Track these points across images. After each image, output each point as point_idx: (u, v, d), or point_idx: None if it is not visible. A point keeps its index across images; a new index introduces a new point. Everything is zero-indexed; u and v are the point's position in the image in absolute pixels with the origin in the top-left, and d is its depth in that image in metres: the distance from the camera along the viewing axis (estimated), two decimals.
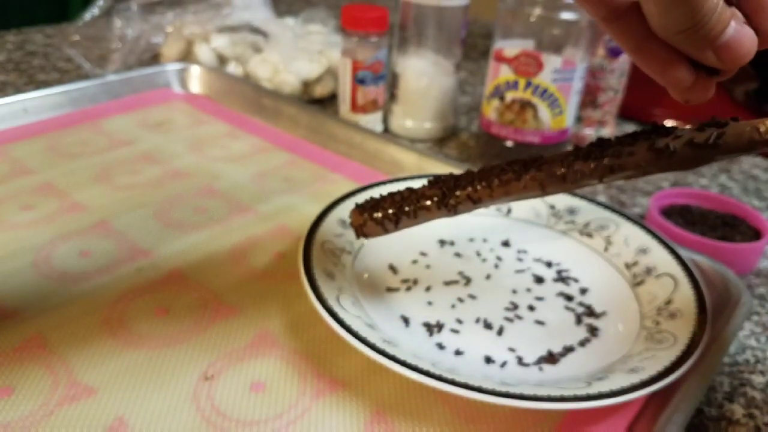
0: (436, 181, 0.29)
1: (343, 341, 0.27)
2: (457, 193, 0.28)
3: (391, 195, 0.30)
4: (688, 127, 0.25)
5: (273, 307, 0.33)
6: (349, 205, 0.38)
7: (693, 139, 0.24)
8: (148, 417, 0.26)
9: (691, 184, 0.53)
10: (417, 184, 0.41)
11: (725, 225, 0.42)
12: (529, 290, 0.35)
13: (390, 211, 0.29)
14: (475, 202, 0.28)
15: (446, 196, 0.28)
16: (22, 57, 0.73)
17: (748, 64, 0.22)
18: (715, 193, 0.46)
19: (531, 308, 0.33)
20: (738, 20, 0.21)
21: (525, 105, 0.49)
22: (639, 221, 0.38)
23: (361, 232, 0.31)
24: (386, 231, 0.30)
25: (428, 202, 0.29)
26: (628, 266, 0.36)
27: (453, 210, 0.29)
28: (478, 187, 0.28)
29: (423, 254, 0.37)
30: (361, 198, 0.39)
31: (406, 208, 0.29)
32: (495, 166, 0.28)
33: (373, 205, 0.30)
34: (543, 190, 0.27)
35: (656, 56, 0.22)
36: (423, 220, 0.30)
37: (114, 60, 0.63)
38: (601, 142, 0.26)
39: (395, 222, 0.30)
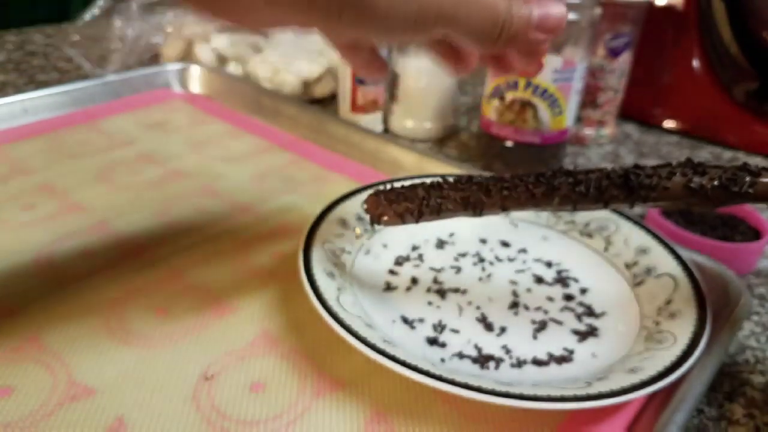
0: (466, 182, 0.29)
1: (343, 341, 0.27)
2: (486, 200, 0.28)
3: (414, 187, 0.30)
4: (719, 167, 0.26)
5: (273, 307, 0.33)
6: (349, 205, 0.38)
7: (728, 186, 0.25)
8: (148, 417, 0.26)
9: None
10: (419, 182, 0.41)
11: (725, 225, 0.42)
12: (529, 290, 0.35)
13: (413, 205, 0.29)
14: (503, 209, 0.28)
15: (475, 201, 0.28)
16: (22, 57, 0.73)
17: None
18: None
19: (531, 308, 0.33)
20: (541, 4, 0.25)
21: (525, 105, 0.49)
22: (639, 221, 0.38)
23: (377, 219, 0.30)
24: (404, 222, 0.30)
25: (454, 204, 0.29)
26: (628, 266, 0.36)
27: (479, 214, 0.29)
28: (508, 197, 0.28)
29: (423, 254, 0.37)
30: (360, 198, 0.39)
31: (431, 206, 0.29)
32: (527, 175, 0.28)
33: (395, 195, 0.30)
34: (573, 207, 0.27)
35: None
36: (446, 217, 0.30)
37: (114, 60, 0.63)
38: (636, 169, 0.26)
39: (417, 216, 0.29)
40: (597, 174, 0.27)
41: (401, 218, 0.30)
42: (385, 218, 0.30)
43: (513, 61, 0.29)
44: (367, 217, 0.31)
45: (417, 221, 0.30)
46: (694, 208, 0.26)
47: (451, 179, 0.30)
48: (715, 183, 0.25)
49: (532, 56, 0.27)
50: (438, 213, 0.29)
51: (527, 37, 0.25)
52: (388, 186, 0.32)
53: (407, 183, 0.31)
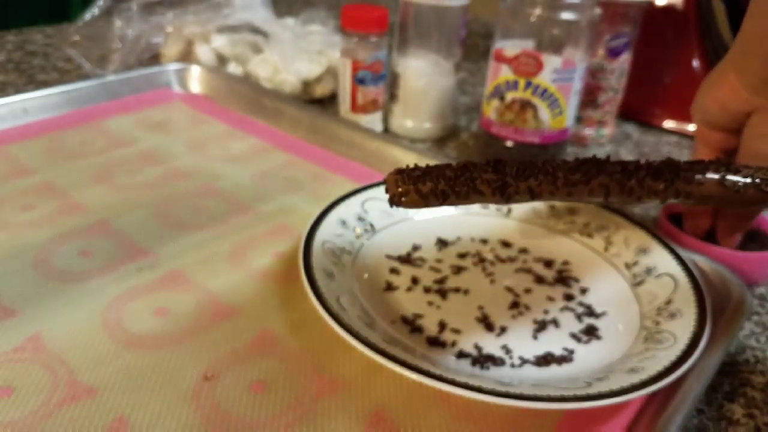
0: (496, 164, 0.27)
1: (343, 341, 0.27)
2: (519, 183, 0.27)
3: (439, 168, 0.28)
4: (750, 167, 0.26)
5: (273, 307, 0.33)
6: (349, 205, 0.38)
7: (760, 185, 0.25)
8: (148, 417, 0.26)
9: None
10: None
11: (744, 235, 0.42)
12: (529, 290, 0.35)
13: (440, 186, 0.27)
14: (534, 196, 0.27)
15: (507, 185, 0.26)
16: (22, 57, 0.73)
17: None
18: None
19: (531, 308, 0.33)
20: None
21: (525, 105, 0.49)
22: (639, 221, 0.38)
23: (398, 201, 0.28)
24: (427, 205, 0.28)
25: (485, 187, 0.27)
26: (628, 266, 0.36)
27: (508, 199, 0.27)
28: (543, 182, 0.26)
29: (423, 254, 0.37)
30: (360, 198, 0.39)
31: (458, 188, 0.27)
32: (562, 162, 0.27)
33: (419, 175, 0.28)
34: (606, 198, 0.27)
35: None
36: (472, 202, 0.28)
37: (114, 60, 0.63)
38: (671, 163, 0.26)
39: (442, 199, 0.27)
40: (633, 164, 0.27)
41: (425, 200, 0.27)
42: (406, 198, 0.27)
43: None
44: (385, 199, 0.28)
45: (442, 203, 0.27)
46: (723, 205, 0.26)
47: (479, 162, 0.28)
48: (748, 181, 0.25)
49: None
50: (466, 196, 0.27)
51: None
52: (417, 164, 0.29)
53: (431, 164, 0.28)
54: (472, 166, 0.27)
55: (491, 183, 0.27)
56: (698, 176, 0.26)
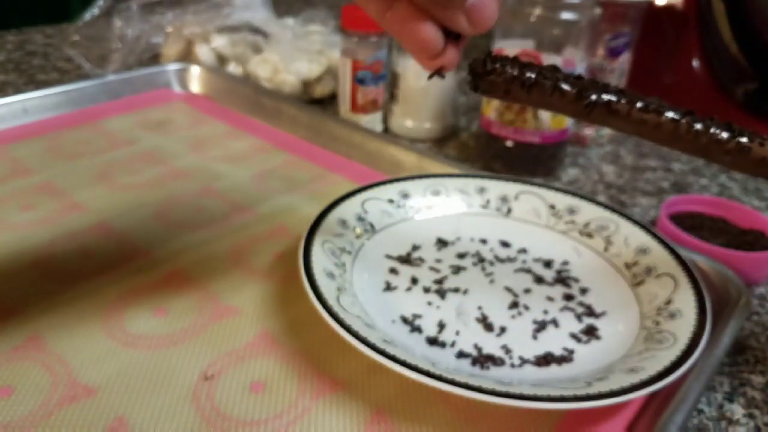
0: (579, 78, 0.27)
1: (343, 341, 0.27)
2: (601, 94, 0.26)
3: (526, 62, 0.27)
4: None
5: (273, 307, 0.33)
6: (349, 205, 0.38)
7: None
8: (148, 417, 0.26)
9: (691, 184, 0.53)
10: (417, 183, 0.41)
11: (746, 236, 0.42)
12: (529, 290, 0.35)
13: (527, 73, 0.26)
14: (611, 113, 0.26)
15: (588, 91, 0.26)
16: (22, 57, 0.73)
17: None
18: (738, 204, 0.44)
19: (531, 308, 0.33)
20: None
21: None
22: (639, 221, 0.38)
23: (482, 81, 0.26)
24: (507, 94, 0.26)
25: (568, 87, 0.26)
26: (628, 266, 0.36)
27: (586, 109, 0.26)
28: (621, 100, 0.26)
29: (423, 254, 0.37)
30: (360, 198, 0.39)
31: (543, 80, 0.26)
32: (635, 95, 0.27)
33: (509, 60, 0.26)
34: (672, 137, 0.26)
35: (406, 18, 0.23)
36: (551, 105, 0.27)
37: (114, 60, 0.63)
38: (730, 125, 0.26)
39: (525, 89, 0.26)
40: (704, 116, 0.26)
41: (507, 84, 0.26)
42: (491, 78, 0.26)
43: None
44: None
45: (522, 95, 0.26)
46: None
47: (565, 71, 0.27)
48: None
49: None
50: (549, 93, 0.26)
51: (453, 14, 0.23)
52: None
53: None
54: (557, 69, 0.27)
55: (575, 85, 0.26)
56: (759, 140, 0.26)
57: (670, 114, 0.26)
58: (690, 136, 0.26)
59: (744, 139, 0.26)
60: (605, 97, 0.26)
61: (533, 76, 0.26)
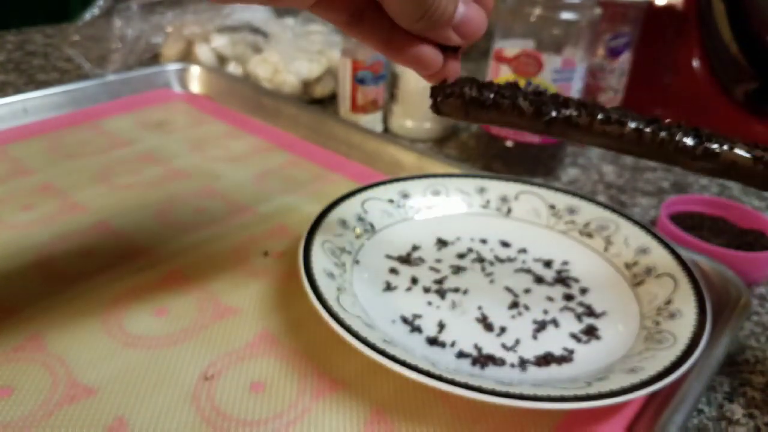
0: (538, 92, 0.27)
1: (343, 341, 0.27)
2: (560, 109, 0.26)
3: (484, 82, 0.27)
4: None
5: (273, 307, 0.33)
6: (349, 205, 0.38)
7: None
8: (148, 417, 0.26)
9: (691, 184, 0.53)
10: (417, 183, 0.41)
11: (746, 236, 0.42)
12: (529, 290, 0.35)
13: (485, 93, 0.26)
14: (570, 126, 0.26)
15: (547, 106, 0.26)
16: (22, 57, 0.73)
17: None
18: (738, 204, 0.44)
19: (531, 308, 0.33)
20: (466, 1, 0.24)
21: None
22: (639, 221, 0.38)
23: (442, 104, 0.27)
24: (467, 114, 0.27)
25: (526, 105, 0.26)
26: (628, 266, 0.36)
27: (546, 125, 0.26)
28: (582, 114, 0.26)
29: (423, 254, 0.37)
30: (360, 198, 0.39)
31: (501, 100, 0.26)
32: (600, 106, 0.27)
33: (465, 82, 0.27)
34: (636, 145, 0.26)
35: (404, 45, 0.25)
36: (510, 121, 0.27)
37: (114, 60, 0.63)
38: (703, 130, 0.26)
39: (484, 108, 0.26)
40: (669, 122, 0.26)
41: (466, 106, 0.26)
42: (450, 101, 0.26)
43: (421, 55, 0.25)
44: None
45: (482, 115, 0.27)
46: (744, 180, 0.26)
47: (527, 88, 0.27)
48: None
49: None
50: (507, 111, 0.26)
51: (444, 32, 0.24)
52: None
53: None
54: (516, 86, 0.27)
55: (534, 102, 0.26)
56: (728, 145, 0.26)
57: (633, 124, 0.26)
58: (655, 146, 0.26)
59: (712, 145, 0.26)
60: (565, 112, 0.26)
61: (491, 95, 0.26)
